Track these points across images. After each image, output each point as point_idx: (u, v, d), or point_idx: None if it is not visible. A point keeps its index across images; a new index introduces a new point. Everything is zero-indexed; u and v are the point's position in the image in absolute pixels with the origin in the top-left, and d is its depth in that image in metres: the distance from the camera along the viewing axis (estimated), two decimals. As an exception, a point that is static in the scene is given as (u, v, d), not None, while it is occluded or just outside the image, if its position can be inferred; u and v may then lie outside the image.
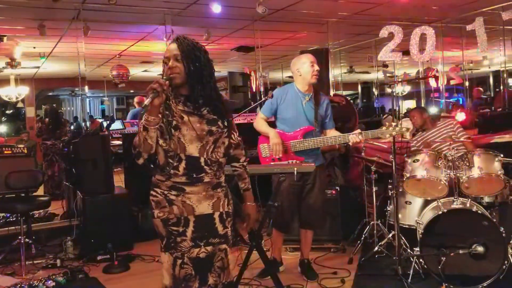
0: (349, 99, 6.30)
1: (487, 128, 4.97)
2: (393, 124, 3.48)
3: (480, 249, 3.39)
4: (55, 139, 7.74)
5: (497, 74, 14.40)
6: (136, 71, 12.89)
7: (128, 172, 5.83)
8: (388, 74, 10.90)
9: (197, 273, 2.27)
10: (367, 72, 14.64)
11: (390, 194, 4.19)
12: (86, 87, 7.13)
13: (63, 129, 8.35)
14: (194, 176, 2.24)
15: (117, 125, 6.10)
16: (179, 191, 2.25)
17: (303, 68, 3.71)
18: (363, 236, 4.49)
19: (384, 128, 3.44)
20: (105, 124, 5.71)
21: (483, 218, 3.48)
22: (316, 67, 3.70)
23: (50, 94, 16.38)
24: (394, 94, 11.11)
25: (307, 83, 3.73)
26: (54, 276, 3.89)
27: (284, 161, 3.59)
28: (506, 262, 3.36)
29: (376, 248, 4.20)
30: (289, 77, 15.27)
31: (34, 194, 4.93)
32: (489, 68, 14.74)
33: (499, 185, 3.74)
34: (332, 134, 3.73)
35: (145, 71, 13.17)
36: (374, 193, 4.48)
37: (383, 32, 4.72)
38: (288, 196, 3.73)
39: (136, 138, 2.19)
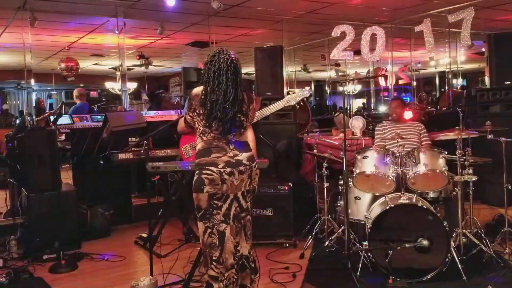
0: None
1: (433, 126, 5.14)
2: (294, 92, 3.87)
3: (425, 242, 3.54)
4: None
5: (442, 75, 14.99)
6: (86, 64, 12.51)
7: (76, 168, 5.64)
8: (340, 73, 11.14)
9: (220, 244, 2.65)
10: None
11: (340, 190, 4.27)
12: (33, 80, 6.87)
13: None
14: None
15: (65, 119, 5.86)
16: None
17: None
18: (314, 231, 4.57)
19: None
20: (52, 118, 5.46)
21: (428, 213, 3.63)
22: None
23: (-6, 86, 15.62)
24: (346, 92, 11.34)
25: None
26: (-5, 277, 3.73)
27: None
28: (449, 255, 3.52)
29: (326, 243, 4.29)
30: (245, 73, 15.29)
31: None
32: (436, 68, 15.34)
33: (443, 181, 3.91)
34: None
35: (96, 64, 12.81)
36: (325, 188, 4.57)
37: (336, 31, 4.82)
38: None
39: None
